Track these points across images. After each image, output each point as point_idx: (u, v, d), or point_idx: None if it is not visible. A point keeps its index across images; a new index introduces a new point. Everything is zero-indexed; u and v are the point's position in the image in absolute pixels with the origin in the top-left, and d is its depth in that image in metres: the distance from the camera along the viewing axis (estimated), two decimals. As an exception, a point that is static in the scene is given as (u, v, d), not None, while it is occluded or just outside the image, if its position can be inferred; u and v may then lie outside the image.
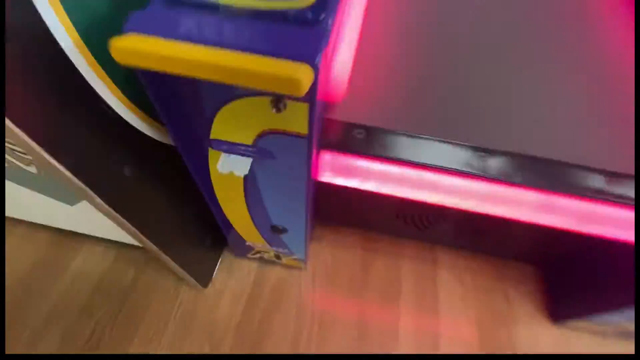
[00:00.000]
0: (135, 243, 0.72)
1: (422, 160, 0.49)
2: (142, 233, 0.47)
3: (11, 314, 0.75)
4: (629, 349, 0.79)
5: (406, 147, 0.49)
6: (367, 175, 0.55)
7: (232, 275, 0.83)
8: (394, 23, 0.59)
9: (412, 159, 0.49)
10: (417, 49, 0.56)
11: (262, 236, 0.68)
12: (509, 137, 0.47)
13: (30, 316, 0.75)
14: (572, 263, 0.81)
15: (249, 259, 0.84)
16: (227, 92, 0.34)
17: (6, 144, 0.42)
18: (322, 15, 0.31)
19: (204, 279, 0.77)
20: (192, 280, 0.71)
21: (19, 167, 0.47)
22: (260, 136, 0.40)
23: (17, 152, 0.43)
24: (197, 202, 0.67)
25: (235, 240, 0.73)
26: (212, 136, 0.41)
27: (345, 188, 0.55)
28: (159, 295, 0.79)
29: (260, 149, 0.42)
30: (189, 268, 0.67)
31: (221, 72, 0.29)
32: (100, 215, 0.44)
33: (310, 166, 0.44)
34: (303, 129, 0.37)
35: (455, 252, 0.90)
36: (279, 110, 0.34)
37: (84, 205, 0.57)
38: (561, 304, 0.82)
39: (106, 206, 0.40)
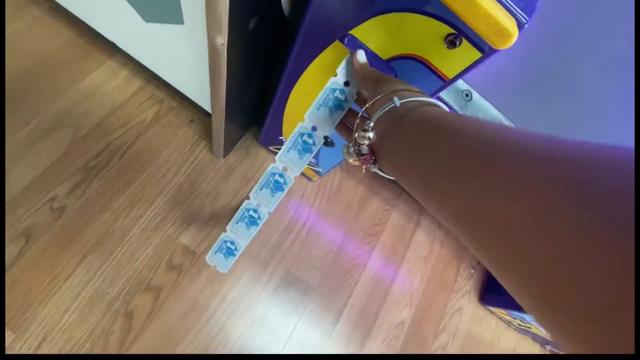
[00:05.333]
0: (168, 81, 0.69)
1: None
2: (227, 93, 0.46)
3: (17, 100, 0.70)
4: (522, 340, 1.02)
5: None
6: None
7: (247, 158, 0.85)
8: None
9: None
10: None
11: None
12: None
13: (39, 110, 0.71)
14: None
15: (269, 150, 0.86)
16: (418, 2, 0.32)
17: None
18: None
19: (225, 151, 0.78)
20: (219, 147, 0.72)
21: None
22: (399, 57, 0.39)
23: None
24: (266, 81, 0.65)
25: (271, 129, 0.74)
26: (352, 32, 0.39)
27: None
28: (174, 145, 0.79)
29: (388, 67, 0.41)
30: (225, 136, 0.67)
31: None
32: (165, 44, 0.41)
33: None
34: (452, 73, 0.37)
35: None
36: (451, 45, 0.33)
37: (156, 27, 0.52)
38: (491, 293, 0.99)
39: (225, 52, 0.38)
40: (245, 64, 0.47)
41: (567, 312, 0.13)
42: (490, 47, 0.32)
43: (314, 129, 0.41)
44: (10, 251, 0.62)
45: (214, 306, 0.72)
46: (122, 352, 0.64)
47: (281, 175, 0.47)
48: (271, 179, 0.48)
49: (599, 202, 0.12)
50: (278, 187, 0.49)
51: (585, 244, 0.12)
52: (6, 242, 0.63)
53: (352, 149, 0.30)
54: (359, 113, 0.38)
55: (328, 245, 0.87)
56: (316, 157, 0.74)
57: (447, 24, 0.32)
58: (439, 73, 0.38)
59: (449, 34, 0.33)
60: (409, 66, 0.39)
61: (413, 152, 0.23)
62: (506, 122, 0.50)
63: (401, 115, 0.26)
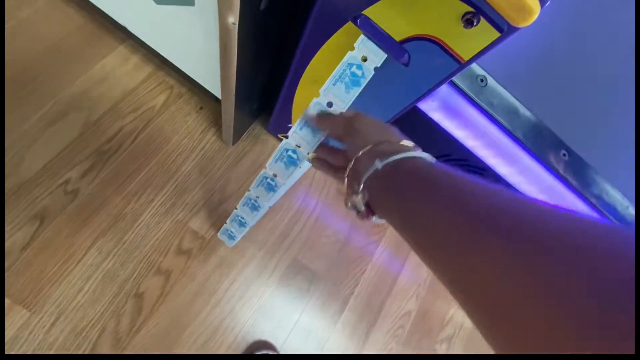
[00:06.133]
0: (178, 66, 0.69)
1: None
2: (237, 76, 0.46)
3: (30, 84, 0.71)
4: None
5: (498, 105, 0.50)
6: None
7: (255, 146, 0.85)
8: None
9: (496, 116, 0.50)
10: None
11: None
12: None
13: (52, 95, 0.71)
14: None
15: (278, 138, 0.85)
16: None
17: None
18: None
19: (234, 138, 0.78)
20: (229, 134, 0.72)
21: None
22: (414, 39, 0.38)
23: None
24: (276, 67, 0.64)
25: (280, 117, 0.73)
26: (365, 12, 0.39)
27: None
28: (184, 132, 0.79)
29: (401, 50, 0.40)
30: (234, 122, 0.67)
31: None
32: (175, 27, 0.41)
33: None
34: (469, 55, 0.36)
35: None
36: (468, 24, 0.33)
37: (167, 9, 0.52)
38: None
39: (236, 31, 0.38)
40: (256, 45, 0.47)
41: None
42: (509, 26, 0.31)
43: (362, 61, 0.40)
44: (24, 232, 0.64)
45: (222, 291, 0.73)
46: (134, 331, 0.65)
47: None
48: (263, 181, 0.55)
49: (611, 292, 0.12)
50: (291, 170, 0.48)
51: (595, 335, 0.11)
52: (20, 223, 0.64)
53: (350, 207, 0.30)
54: (336, 150, 0.36)
55: (335, 235, 0.87)
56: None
57: (464, 1, 0.31)
58: (454, 55, 0.37)
59: (466, 13, 0.32)
60: (423, 47, 0.38)
61: (403, 214, 0.23)
62: (522, 109, 0.49)
63: (384, 174, 0.26)
